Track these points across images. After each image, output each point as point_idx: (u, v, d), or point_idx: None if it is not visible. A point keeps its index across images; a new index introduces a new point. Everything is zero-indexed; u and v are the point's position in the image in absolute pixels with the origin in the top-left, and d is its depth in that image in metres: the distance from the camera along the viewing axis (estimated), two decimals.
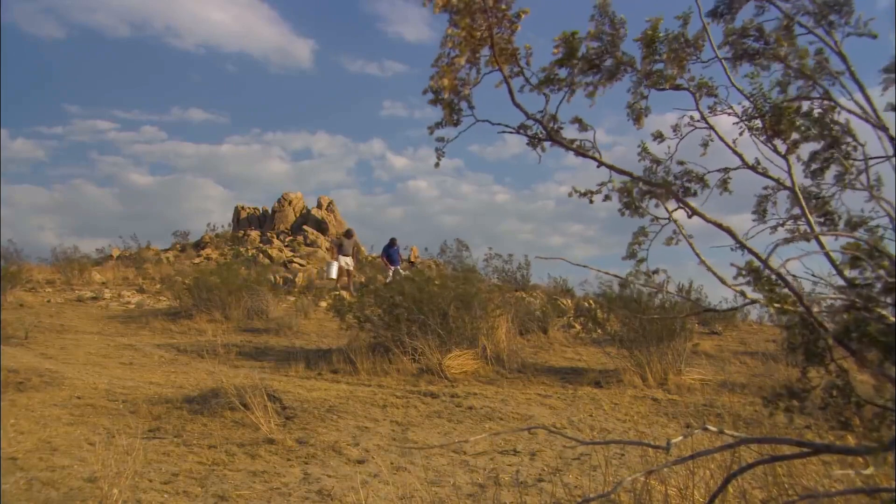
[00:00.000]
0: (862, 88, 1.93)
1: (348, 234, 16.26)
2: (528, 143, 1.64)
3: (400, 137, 76.58)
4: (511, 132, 1.63)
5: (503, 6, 1.41)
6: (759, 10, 2.11)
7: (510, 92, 1.52)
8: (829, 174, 2.30)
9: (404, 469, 3.90)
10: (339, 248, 15.55)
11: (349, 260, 15.29)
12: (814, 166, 2.30)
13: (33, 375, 5.72)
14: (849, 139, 2.22)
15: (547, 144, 1.68)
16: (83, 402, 5.10)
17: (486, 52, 1.49)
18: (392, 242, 15.51)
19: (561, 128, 1.64)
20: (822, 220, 2.29)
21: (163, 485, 3.44)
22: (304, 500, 3.35)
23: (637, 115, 1.92)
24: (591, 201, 1.91)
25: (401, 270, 10.98)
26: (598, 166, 1.68)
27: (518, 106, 1.55)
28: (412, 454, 4.14)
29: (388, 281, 10.28)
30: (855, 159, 2.27)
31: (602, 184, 1.89)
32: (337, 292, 13.27)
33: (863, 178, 2.21)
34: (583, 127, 1.63)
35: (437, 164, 1.74)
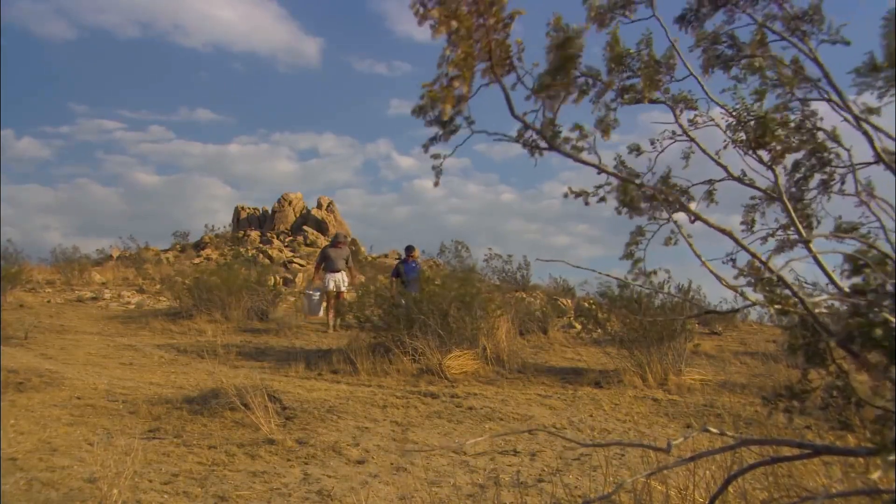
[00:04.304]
0: (839, 93, 1.92)
1: (336, 241, 11.24)
2: (524, 148, 1.63)
3: (406, 137, 77.30)
4: (507, 140, 1.62)
5: (499, 13, 1.40)
6: (729, 18, 2.08)
7: (509, 105, 1.51)
8: (813, 182, 2.29)
9: (404, 469, 3.90)
10: (325, 263, 10.85)
11: (341, 277, 10.76)
12: (797, 176, 2.29)
13: (33, 376, 5.72)
14: (832, 145, 2.21)
15: (545, 150, 1.67)
16: (83, 403, 5.10)
17: (481, 65, 1.48)
18: (408, 255, 10.55)
19: (559, 132, 1.63)
20: (802, 224, 2.28)
21: (163, 485, 3.44)
22: (304, 501, 3.35)
23: (605, 128, 1.90)
24: (586, 203, 1.90)
25: (415, 294, 7.98)
26: (598, 172, 1.67)
27: (517, 117, 1.54)
28: (412, 454, 4.14)
29: (402, 306, 7.85)
30: (837, 166, 2.26)
31: (598, 186, 1.88)
32: (326, 329, 10.64)
33: (849, 183, 2.20)
34: (583, 135, 1.62)
35: (436, 184, 1.72)
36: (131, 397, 5.33)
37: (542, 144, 1.56)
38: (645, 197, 1.74)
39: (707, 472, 2.49)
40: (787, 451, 1.73)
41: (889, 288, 1.35)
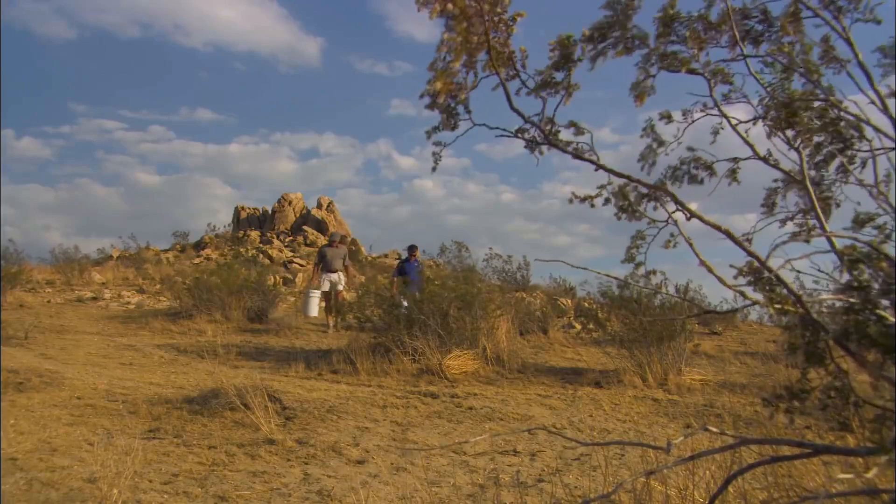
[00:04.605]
0: (868, 76, 1.91)
1: (332, 240, 11.26)
2: (525, 147, 1.63)
3: (407, 137, 77.44)
4: (508, 136, 1.62)
5: (499, 10, 1.41)
6: None
7: (507, 98, 1.52)
8: (834, 165, 2.27)
9: (404, 469, 3.90)
10: (322, 263, 10.87)
11: (338, 276, 10.79)
12: (818, 158, 2.28)
13: (33, 376, 5.72)
14: (853, 132, 2.20)
15: (545, 147, 1.67)
16: (83, 403, 5.10)
17: (482, 56, 1.48)
18: (410, 254, 10.63)
19: (559, 130, 1.63)
20: (821, 206, 2.26)
21: (163, 485, 3.44)
22: (304, 501, 3.35)
23: (640, 93, 1.87)
24: (592, 205, 1.90)
25: (417, 294, 7.84)
26: (595, 169, 1.67)
27: (516, 111, 1.55)
28: (412, 454, 4.14)
29: (404, 307, 7.84)
30: (859, 150, 2.25)
31: (602, 186, 1.88)
32: (326, 329, 10.63)
33: (869, 173, 2.19)
34: (579, 131, 1.62)
35: (433, 169, 1.74)
36: (131, 397, 5.33)
37: (541, 140, 1.57)
38: (642, 195, 1.74)
39: (707, 471, 2.49)
40: (786, 451, 1.73)
41: (885, 286, 1.35)
